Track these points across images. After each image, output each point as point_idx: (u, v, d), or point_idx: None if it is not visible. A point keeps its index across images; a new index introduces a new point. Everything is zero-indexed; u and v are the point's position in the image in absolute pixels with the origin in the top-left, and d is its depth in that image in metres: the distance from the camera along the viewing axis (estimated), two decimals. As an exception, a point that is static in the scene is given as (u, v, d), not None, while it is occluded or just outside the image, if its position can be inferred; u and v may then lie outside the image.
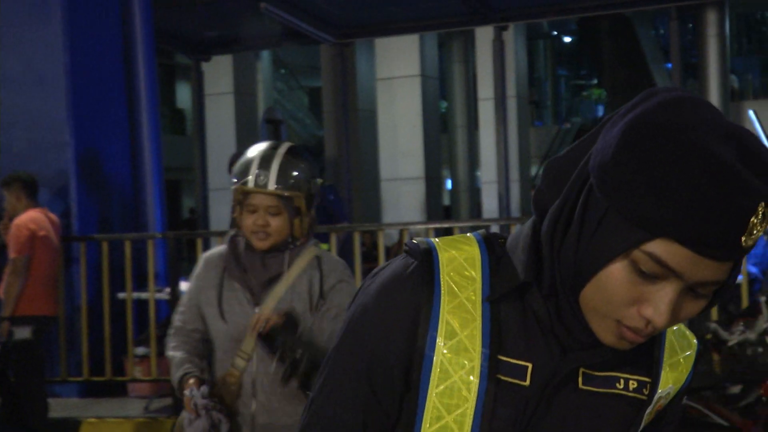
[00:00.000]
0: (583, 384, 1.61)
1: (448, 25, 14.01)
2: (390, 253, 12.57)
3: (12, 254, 7.84)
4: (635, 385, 1.64)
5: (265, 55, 22.74)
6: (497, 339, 1.59)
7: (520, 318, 1.60)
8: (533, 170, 25.05)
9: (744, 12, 32.36)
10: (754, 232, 1.39)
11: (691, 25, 25.17)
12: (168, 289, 8.90)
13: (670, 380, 1.67)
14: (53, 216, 8.38)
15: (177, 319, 3.88)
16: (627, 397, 1.63)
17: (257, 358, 3.72)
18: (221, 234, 9.50)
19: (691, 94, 1.48)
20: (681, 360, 1.70)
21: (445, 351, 1.59)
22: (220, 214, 15.80)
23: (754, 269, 8.32)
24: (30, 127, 9.83)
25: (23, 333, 7.81)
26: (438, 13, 13.30)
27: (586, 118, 32.32)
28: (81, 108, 9.89)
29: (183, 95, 30.71)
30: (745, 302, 7.18)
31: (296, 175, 3.74)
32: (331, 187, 10.75)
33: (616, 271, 1.45)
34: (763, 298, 5.71)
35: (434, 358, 1.59)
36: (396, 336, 1.61)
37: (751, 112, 10.57)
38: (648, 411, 1.65)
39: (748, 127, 10.56)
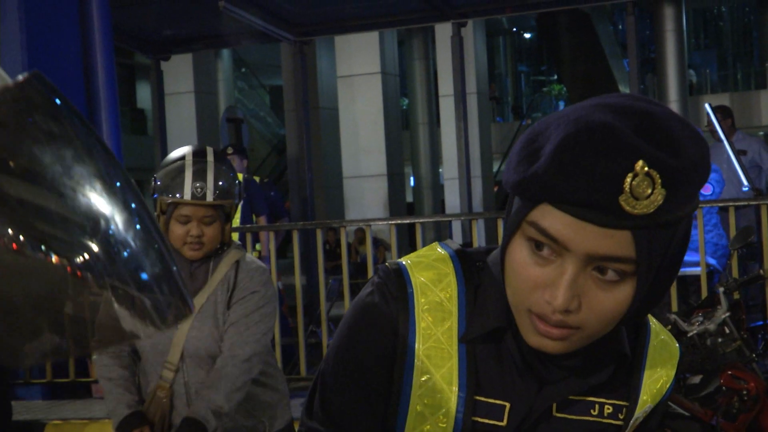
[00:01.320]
0: (557, 411, 1.58)
1: (407, 21, 13.97)
2: (350, 250, 12.57)
3: None
4: (610, 410, 1.60)
5: (226, 54, 22.69)
6: (473, 380, 1.56)
7: (497, 356, 1.56)
8: (495, 166, 25.15)
9: (701, 7, 32.62)
10: (640, 195, 1.31)
11: (648, 20, 25.31)
12: None
13: (649, 399, 1.63)
14: None
15: None
16: (601, 424, 1.60)
17: (186, 367, 3.64)
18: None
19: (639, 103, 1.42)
20: (662, 375, 1.65)
21: (420, 393, 1.56)
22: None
23: (712, 260, 8.38)
24: None
25: None
26: (397, 10, 13.26)
27: (547, 113, 32.27)
28: None
29: (143, 95, 30.60)
30: (704, 293, 7.23)
31: (229, 183, 3.67)
32: (271, 183, 10.80)
33: (517, 253, 1.42)
34: (721, 290, 5.74)
35: (410, 401, 1.57)
36: (377, 368, 1.59)
37: (707, 106, 10.63)
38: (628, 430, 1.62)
39: (704, 121, 10.66)
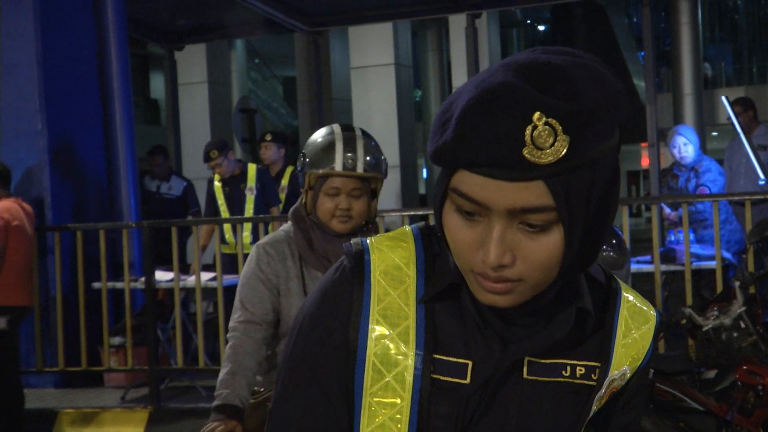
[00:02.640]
0: (528, 374, 1.59)
1: (421, 12, 13.99)
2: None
3: None
4: (582, 371, 1.61)
5: (239, 44, 22.71)
6: (432, 339, 1.58)
7: (458, 316, 1.59)
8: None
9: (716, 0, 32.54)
10: (543, 144, 1.34)
11: (663, 13, 25.25)
12: (143, 279, 8.89)
13: (624, 361, 1.63)
14: (27, 206, 8.36)
15: (246, 309, 3.65)
16: (574, 385, 1.61)
17: None
18: (196, 223, 9.50)
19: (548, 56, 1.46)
20: (637, 337, 1.66)
21: (376, 350, 1.59)
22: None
23: (728, 254, 8.37)
24: (2, 116, 9.82)
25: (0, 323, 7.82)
26: (411, 1, 13.28)
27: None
28: (53, 97, 9.87)
29: (157, 85, 30.65)
30: (719, 287, 7.22)
31: (377, 158, 3.70)
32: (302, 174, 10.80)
33: (449, 219, 1.47)
34: (737, 284, 5.73)
35: (366, 360, 1.59)
36: (334, 339, 1.61)
37: (723, 98, 10.64)
38: (599, 395, 1.62)
39: (722, 114, 10.59)
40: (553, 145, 1.34)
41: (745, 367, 5.38)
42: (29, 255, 8.28)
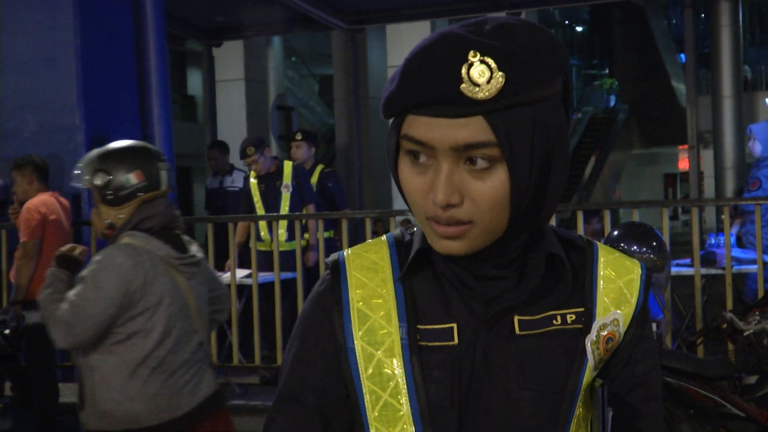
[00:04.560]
0: (520, 330, 1.64)
1: (459, 11, 13.99)
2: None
3: (23, 238, 7.88)
4: (573, 318, 1.66)
5: (276, 42, 22.79)
6: (413, 311, 1.66)
7: (436, 286, 1.67)
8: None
9: (757, 2, 32.26)
10: (479, 81, 1.44)
11: (703, 15, 25.10)
12: None
13: (611, 306, 1.68)
14: (64, 200, 8.41)
15: None
16: (567, 330, 1.65)
17: None
18: (231, 219, 9.51)
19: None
20: (621, 285, 1.70)
21: (361, 335, 1.67)
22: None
23: (768, 258, 8.27)
24: (41, 111, 9.87)
25: (34, 317, 7.72)
26: (449, 0, 13.29)
27: (598, 107, 32.35)
28: (92, 92, 9.92)
29: (194, 82, 30.75)
30: (761, 292, 7.14)
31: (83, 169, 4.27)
32: (330, 174, 10.84)
33: (403, 170, 1.57)
34: (780, 288, 5.68)
35: (355, 347, 1.67)
36: (321, 338, 1.71)
37: (767, 101, 10.58)
38: (593, 339, 1.65)
39: (762, 116, 10.50)
40: (489, 81, 1.43)
41: (787, 373, 5.34)
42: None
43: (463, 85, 1.43)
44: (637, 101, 28.42)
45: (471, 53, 1.44)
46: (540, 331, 1.65)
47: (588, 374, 1.65)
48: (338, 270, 1.74)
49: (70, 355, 9.10)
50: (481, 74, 1.44)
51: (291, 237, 9.37)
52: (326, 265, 1.75)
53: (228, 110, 18.84)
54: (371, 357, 1.67)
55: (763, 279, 7.42)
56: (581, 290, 1.69)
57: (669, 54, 29.07)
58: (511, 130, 1.47)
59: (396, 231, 1.78)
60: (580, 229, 8.61)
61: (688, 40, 12.65)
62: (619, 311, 1.68)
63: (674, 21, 30.81)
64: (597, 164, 27.28)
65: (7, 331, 7.82)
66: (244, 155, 10.04)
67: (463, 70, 1.44)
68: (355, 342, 1.68)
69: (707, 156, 21.21)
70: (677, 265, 8.48)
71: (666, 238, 7.25)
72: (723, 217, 8.28)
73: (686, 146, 17.79)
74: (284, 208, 9.79)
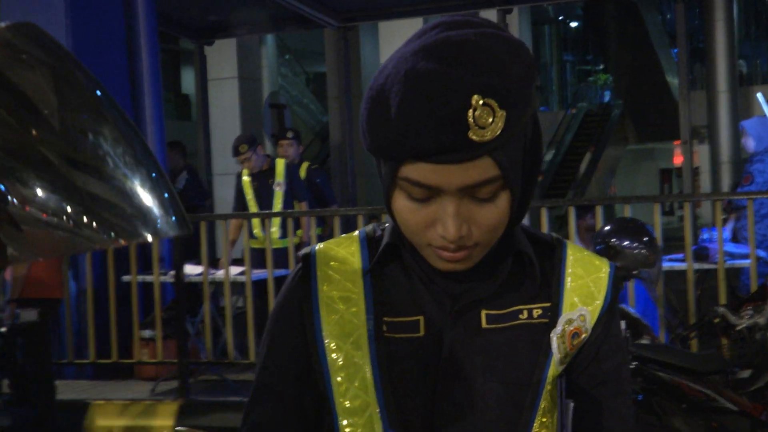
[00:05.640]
0: (487, 324, 1.68)
1: (452, 8, 13.98)
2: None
3: None
4: (540, 312, 1.70)
5: (270, 40, 22.80)
6: (380, 304, 1.70)
7: (405, 280, 1.71)
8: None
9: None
10: (485, 123, 1.44)
11: (698, 9, 25.10)
12: (173, 272, 8.96)
13: (579, 302, 1.70)
14: None
15: None
16: (533, 325, 1.69)
17: None
18: (224, 217, 9.56)
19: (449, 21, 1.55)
20: (589, 282, 1.73)
21: (329, 328, 1.70)
22: (224, 198, 15.93)
23: (762, 253, 8.30)
24: None
25: (30, 315, 7.86)
26: (444, -4, 13.33)
27: (593, 103, 32.33)
28: None
29: (188, 81, 30.75)
30: (754, 287, 7.18)
31: None
32: (317, 171, 10.92)
33: (400, 204, 1.57)
34: (771, 282, 5.72)
35: (324, 339, 1.71)
36: (289, 339, 1.76)
37: (759, 96, 10.58)
38: (558, 333, 1.68)
39: (756, 112, 10.53)
40: (492, 122, 1.44)
41: (779, 366, 5.37)
42: None
43: (471, 132, 1.44)
44: (631, 97, 28.43)
45: (475, 98, 1.43)
46: (506, 324, 1.69)
47: (553, 367, 1.68)
48: (309, 264, 1.77)
49: (66, 353, 9.18)
50: (486, 117, 1.44)
51: (284, 234, 9.43)
52: (296, 258, 1.77)
53: (221, 108, 18.89)
54: (339, 349, 1.70)
55: (756, 274, 7.46)
56: (549, 286, 1.72)
57: (663, 49, 29.05)
58: (511, 159, 1.52)
59: (368, 227, 1.81)
60: (573, 225, 8.66)
61: (680, 35, 12.65)
62: (586, 308, 1.71)
63: (668, 16, 30.77)
64: (592, 160, 27.29)
65: (3, 329, 7.87)
66: (236, 153, 10.08)
67: (470, 115, 1.43)
68: (324, 334, 1.71)
69: (703, 151, 21.26)
70: (670, 260, 8.50)
71: (658, 233, 7.28)
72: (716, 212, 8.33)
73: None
74: (277, 205, 9.87)
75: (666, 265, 7.95)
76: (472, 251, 1.59)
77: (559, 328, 1.69)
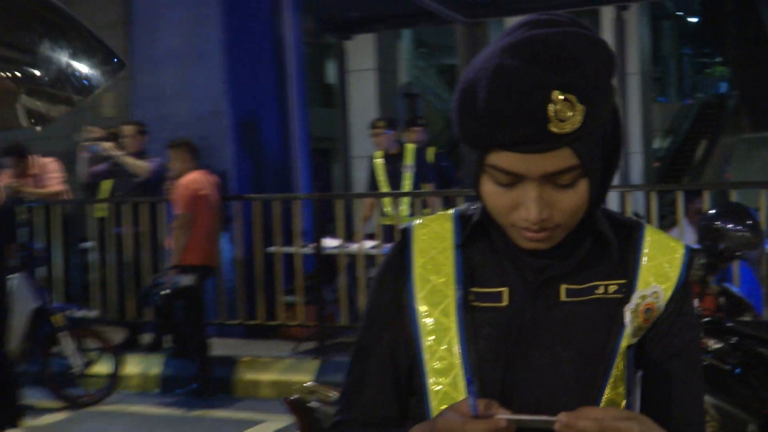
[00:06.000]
0: (566, 297, 1.68)
1: (573, 4, 13.85)
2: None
3: (178, 211, 8.20)
4: (615, 288, 1.69)
5: (406, 35, 22.76)
6: (469, 276, 1.71)
7: (492, 255, 1.72)
8: (656, 143, 24.60)
9: None
10: (564, 117, 1.46)
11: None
12: (313, 245, 9.06)
13: (653, 280, 1.69)
14: (213, 177, 8.65)
15: None
16: (608, 300, 1.68)
17: None
18: (360, 196, 9.70)
19: (537, 18, 1.55)
20: (664, 263, 1.71)
21: (422, 296, 1.72)
22: (360, 179, 16.07)
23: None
24: (192, 99, 10.12)
25: (188, 280, 8.16)
26: (565, -6, 13.22)
27: (709, 94, 31.51)
28: (236, 81, 10.13)
29: (332, 72, 30.79)
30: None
31: None
32: (442, 155, 10.78)
33: (487, 188, 1.59)
34: None
35: (417, 306, 1.72)
36: (387, 303, 1.78)
37: None
38: (632, 309, 1.67)
39: None
40: (572, 115, 1.45)
41: None
42: (214, 221, 8.55)
43: (551, 124, 1.44)
44: (747, 88, 27.60)
45: (554, 93, 1.44)
46: (584, 298, 1.67)
47: (625, 339, 1.65)
48: (406, 238, 1.78)
49: (219, 314, 9.42)
50: (566, 111, 1.44)
51: (412, 212, 9.40)
52: (398, 231, 1.82)
53: (360, 97, 18.89)
54: (430, 315, 1.71)
55: None
56: (625, 265, 1.69)
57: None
58: (590, 151, 1.52)
59: (462, 206, 1.81)
60: (681, 208, 8.58)
61: None
62: (660, 286, 1.68)
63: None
64: (707, 148, 26.59)
65: (166, 292, 8.18)
66: (373, 126, 10.13)
67: (550, 109, 1.44)
68: (416, 302, 1.72)
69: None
70: None
71: (763, 217, 7.15)
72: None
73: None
74: (406, 186, 9.85)
75: None
76: (554, 232, 1.59)
77: (632, 303, 1.66)
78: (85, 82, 1.20)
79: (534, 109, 1.45)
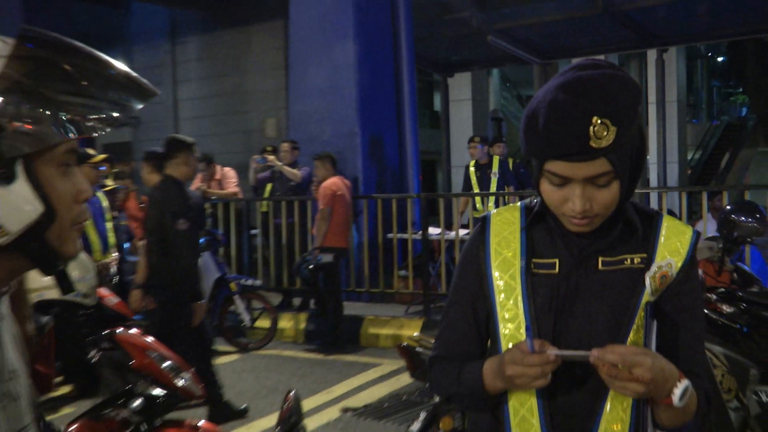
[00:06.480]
0: (602, 266, 1.71)
1: (623, 48, 13.65)
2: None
3: (321, 206, 8.20)
4: (639, 260, 1.71)
5: (495, 73, 22.66)
6: (531, 250, 1.75)
7: (548, 236, 1.75)
8: (689, 155, 24.04)
9: None
10: (601, 135, 1.51)
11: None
12: (420, 233, 9.02)
13: (668, 255, 1.71)
14: (347, 181, 8.63)
15: None
16: (633, 269, 1.70)
17: None
18: (456, 196, 9.65)
19: (586, 69, 1.59)
20: (676, 241, 1.74)
21: (495, 265, 1.76)
22: (458, 183, 16.05)
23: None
24: (332, 123, 10.16)
25: (327, 258, 8.17)
26: (618, 38, 12.98)
27: (732, 116, 30.55)
28: (365, 110, 10.13)
29: (437, 102, 30.85)
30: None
31: None
32: (520, 164, 10.64)
33: (544, 187, 1.64)
34: None
35: (491, 273, 1.76)
36: (471, 270, 1.81)
37: None
38: (651, 275, 1.69)
39: None
40: (607, 134, 1.51)
41: None
42: (347, 214, 8.53)
43: (591, 141, 1.50)
44: (762, 112, 26.78)
45: (594, 118, 1.49)
46: (615, 267, 1.70)
47: (645, 297, 1.68)
48: (486, 223, 1.82)
49: (350, 284, 9.43)
50: (602, 131, 1.50)
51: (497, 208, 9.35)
52: (479, 219, 1.83)
53: (458, 121, 18.93)
54: (501, 278, 1.74)
55: None
56: (647, 243, 1.72)
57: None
58: (621, 160, 1.56)
59: (527, 200, 1.83)
60: (704, 205, 8.38)
61: None
62: (673, 259, 1.71)
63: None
64: (730, 159, 25.90)
65: (311, 266, 8.23)
66: (470, 140, 10.02)
67: (591, 130, 1.49)
68: (492, 269, 1.76)
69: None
70: None
71: None
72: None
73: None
74: (492, 188, 9.75)
75: (772, 235, 7.56)
76: (593, 219, 1.63)
77: (651, 271, 1.69)
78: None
79: (579, 130, 1.50)
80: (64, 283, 1.35)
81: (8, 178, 1.18)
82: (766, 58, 26.17)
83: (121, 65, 1.29)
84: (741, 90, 33.08)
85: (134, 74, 1.28)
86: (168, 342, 4.39)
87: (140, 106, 1.27)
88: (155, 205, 5.43)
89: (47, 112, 1.19)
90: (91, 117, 1.22)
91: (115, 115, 1.24)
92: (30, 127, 1.18)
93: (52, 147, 1.21)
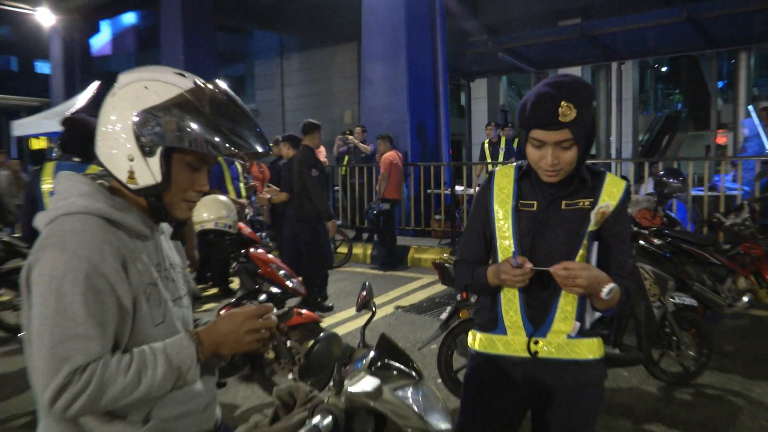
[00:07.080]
0: (565, 206, 1.71)
1: (593, 61, 13.22)
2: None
3: (383, 171, 8.18)
4: (588, 203, 1.70)
5: (504, 78, 22.21)
6: (519, 194, 1.74)
7: (531, 186, 1.75)
8: (640, 137, 23.35)
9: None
10: (566, 114, 1.52)
11: (731, 60, 22.19)
12: (449, 189, 8.94)
13: (607, 198, 1.70)
14: (400, 154, 8.59)
15: None
16: (584, 209, 1.70)
17: None
18: (474, 164, 9.56)
19: (559, 77, 1.57)
20: (614, 190, 1.71)
21: (496, 205, 1.76)
22: (474, 155, 15.85)
23: (746, 187, 7.56)
24: (390, 112, 10.02)
25: (386, 206, 8.17)
26: (589, 55, 12.59)
27: (671, 110, 29.54)
28: (412, 103, 9.97)
29: (462, 99, 30.34)
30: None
31: None
32: (521, 142, 10.24)
33: (529, 150, 1.65)
34: (746, 202, 5.37)
35: (494, 207, 1.76)
36: (482, 205, 1.80)
37: (750, 107, 9.49)
38: (594, 212, 1.68)
39: (749, 116, 9.36)
40: (570, 113, 1.53)
41: (746, 244, 5.10)
42: (400, 176, 8.48)
43: (560, 117, 1.52)
44: (692, 106, 25.83)
45: (563, 102, 1.52)
46: (573, 208, 1.69)
47: (590, 227, 1.67)
48: (492, 175, 1.81)
49: (401, 224, 9.31)
50: (568, 111, 1.52)
51: None
52: (487, 173, 1.92)
53: (478, 113, 18.73)
54: (498, 212, 1.74)
55: (741, 199, 6.87)
56: (594, 191, 1.70)
57: (711, 82, 26.11)
58: (579, 131, 1.57)
59: (519, 162, 1.80)
60: (647, 171, 8.17)
61: (714, 76, 11.36)
62: (611, 202, 1.69)
63: (715, 63, 27.38)
64: (668, 140, 25.13)
65: (375, 212, 8.24)
66: (486, 126, 9.81)
67: (560, 111, 1.52)
68: (494, 207, 1.76)
69: (728, 136, 19.11)
70: (696, 189, 7.89)
71: (690, 177, 6.76)
72: (718, 167, 7.68)
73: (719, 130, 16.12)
74: (500, 159, 9.51)
75: (693, 192, 7.45)
76: (559, 172, 1.63)
77: (595, 210, 1.67)
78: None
79: (552, 109, 1.52)
80: (179, 231, 1.40)
81: (150, 153, 1.26)
82: (695, 69, 25.16)
83: (254, 117, 1.31)
84: (677, 91, 31.92)
85: (258, 128, 1.30)
86: (313, 252, 4.56)
87: (260, 150, 1.27)
88: (299, 164, 5.54)
89: (195, 127, 1.23)
90: (226, 145, 1.24)
91: (238, 150, 1.26)
92: (178, 131, 1.23)
93: (185, 150, 1.26)
